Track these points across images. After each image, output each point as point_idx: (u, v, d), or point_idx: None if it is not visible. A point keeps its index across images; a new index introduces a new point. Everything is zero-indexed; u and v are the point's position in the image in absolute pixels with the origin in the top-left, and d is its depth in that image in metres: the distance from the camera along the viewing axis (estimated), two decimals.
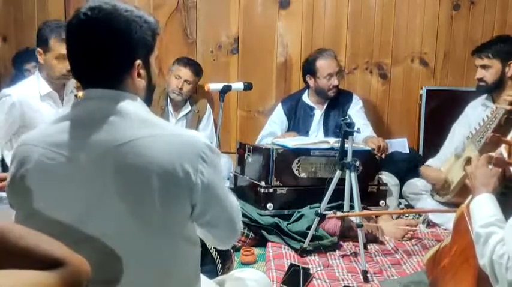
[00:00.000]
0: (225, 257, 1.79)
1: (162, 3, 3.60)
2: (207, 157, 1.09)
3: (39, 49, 2.43)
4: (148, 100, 1.19)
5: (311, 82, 3.23)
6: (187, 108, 3.40)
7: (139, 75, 1.12)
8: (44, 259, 0.73)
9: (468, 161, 2.44)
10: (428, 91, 3.55)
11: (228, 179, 3.05)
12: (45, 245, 0.76)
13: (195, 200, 1.09)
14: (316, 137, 3.19)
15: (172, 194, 1.05)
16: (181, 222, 1.10)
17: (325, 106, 3.25)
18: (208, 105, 3.49)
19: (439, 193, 2.88)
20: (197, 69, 3.34)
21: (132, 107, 1.09)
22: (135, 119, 1.07)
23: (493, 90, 2.76)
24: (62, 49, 2.39)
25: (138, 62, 1.11)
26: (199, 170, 1.07)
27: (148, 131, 1.06)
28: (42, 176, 1.07)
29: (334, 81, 3.16)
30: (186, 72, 3.29)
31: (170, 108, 3.38)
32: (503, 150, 1.47)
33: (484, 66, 2.75)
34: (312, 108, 3.28)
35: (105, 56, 1.08)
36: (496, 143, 1.51)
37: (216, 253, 1.75)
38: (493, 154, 1.50)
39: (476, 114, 2.82)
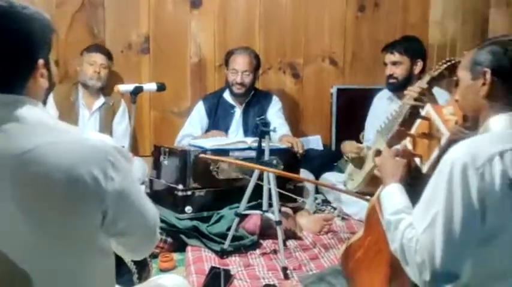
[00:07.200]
0: (142, 266, 1.71)
1: (65, 1, 3.39)
2: (117, 161, 1.03)
3: None
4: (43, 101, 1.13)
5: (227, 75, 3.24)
6: (100, 101, 3.27)
7: (42, 75, 1.06)
8: None
9: (377, 153, 2.55)
10: (338, 90, 3.67)
11: (143, 183, 2.94)
12: None
13: (106, 207, 1.02)
14: (236, 136, 3.17)
15: (80, 203, 0.98)
16: (92, 233, 1.03)
17: (243, 105, 3.25)
18: (122, 99, 3.36)
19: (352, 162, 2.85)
20: (108, 53, 3.29)
21: (33, 112, 1.01)
22: (35, 126, 0.99)
23: (403, 87, 2.78)
24: None
25: (41, 61, 1.05)
26: (108, 176, 1.01)
27: (51, 137, 0.98)
28: None
29: (237, 77, 3.14)
30: (99, 57, 3.22)
31: (82, 101, 3.24)
32: (408, 143, 1.56)
33: (394, 63, 2.84)
34: (232, 107, 3.27)
35: (6, 59, 1.00)
36: (402, 136, 1.60)
37: (132, 261, 1.66)
38: (398, 147, 1.58)
39: (382, 107, 2.93)
